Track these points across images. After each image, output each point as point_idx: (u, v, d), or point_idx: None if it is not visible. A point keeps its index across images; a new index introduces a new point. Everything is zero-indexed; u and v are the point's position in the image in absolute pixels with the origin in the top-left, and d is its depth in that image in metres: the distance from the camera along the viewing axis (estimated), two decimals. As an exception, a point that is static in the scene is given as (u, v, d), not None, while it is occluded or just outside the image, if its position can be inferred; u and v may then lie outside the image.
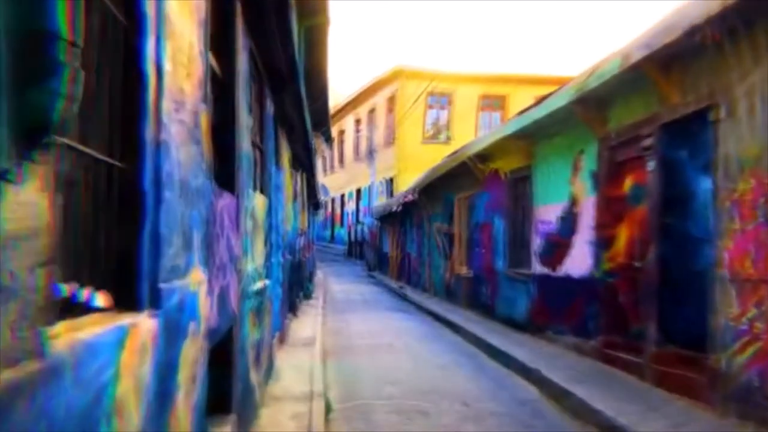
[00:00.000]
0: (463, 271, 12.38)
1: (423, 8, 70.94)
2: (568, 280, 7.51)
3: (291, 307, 10.45)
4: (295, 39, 6.27)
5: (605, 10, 65.10)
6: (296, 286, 11.11)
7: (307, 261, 16.04)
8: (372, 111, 30.78)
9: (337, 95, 32.05)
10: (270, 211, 6.30)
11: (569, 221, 7.52)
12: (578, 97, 6.64)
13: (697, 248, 5.17)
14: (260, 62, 5.70)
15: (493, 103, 27.36)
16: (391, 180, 27.84)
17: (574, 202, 7.44)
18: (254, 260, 5.02)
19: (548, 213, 8.14)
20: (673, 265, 5.47)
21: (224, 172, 3.92)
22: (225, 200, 3.80)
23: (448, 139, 26.69)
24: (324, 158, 37.45)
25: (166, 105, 2.11)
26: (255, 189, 5.33)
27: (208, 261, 3.09)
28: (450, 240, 13.60)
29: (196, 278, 2.58)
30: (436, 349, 8.21)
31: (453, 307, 12.33)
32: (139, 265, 1.87)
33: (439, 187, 14.35)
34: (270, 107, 6.30)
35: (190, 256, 2.47)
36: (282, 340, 7.95)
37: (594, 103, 6.69)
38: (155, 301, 1.96)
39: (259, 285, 5.20)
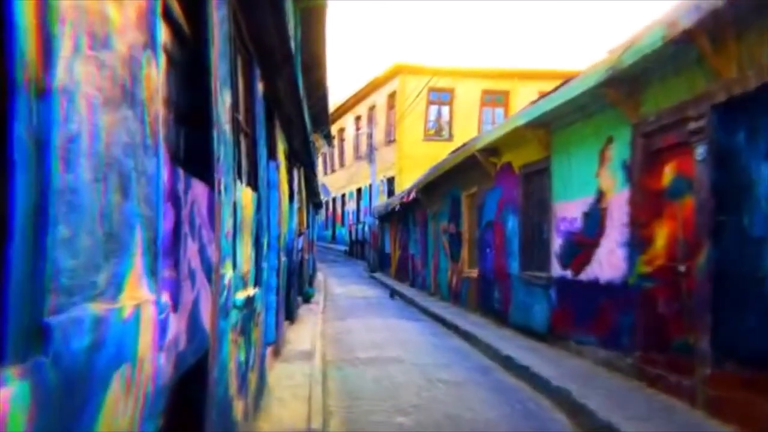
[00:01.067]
0: (472, 273, 11.59)
1: (422, 4, 70.11)
2: (594, 284, 6.73)
3: (288, 313, 9.68)
4: (287, 10, 5.49)
5: (610, 3, 64.34)
6: (294, 290, 10.34)
7: (307, 263, 15.27)
8: (372, 109, 30.05)
9: (336, 95, 31.58)
10: (261, 208, 5.52)
11: (596, 218, 6.74)
12: (609, 77, 5.85)
13: (759, 249, 4.39)
14: (247, 35, 4.91)
15: (495, 98, 26.64)
16: (392, 179, 27.11)
17: (601, 196, 6.65)
18: (239, 266, 4.24)
19: (570, 210, 7.35)
20: (729, 269, 4.68)
21: (196, 156, 3.14)
22: (196, 191, 3.03)
23: (450, 136, 25.93)
24: (324, 158, 36.84)
25: (66, 30, 1.33)
26: (241, 181, 4.55)
27: (165, 270, 2.31)
28: (457, 240, 12.81)
29: (135, 298, 1.79)
30: (449, 364, 7.40)
31: (461, 312, 11.54)
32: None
33: (444, 184, 13.57)
34: (260, 89, 5.51)
35: (121, 266, 1.68)
36: (276, 353, 7.16)
37: (627, 84, 5.90)
38: (33, 347, 1.17)
39: (246, 294, 4.41)
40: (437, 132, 26.75)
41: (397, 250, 21.29)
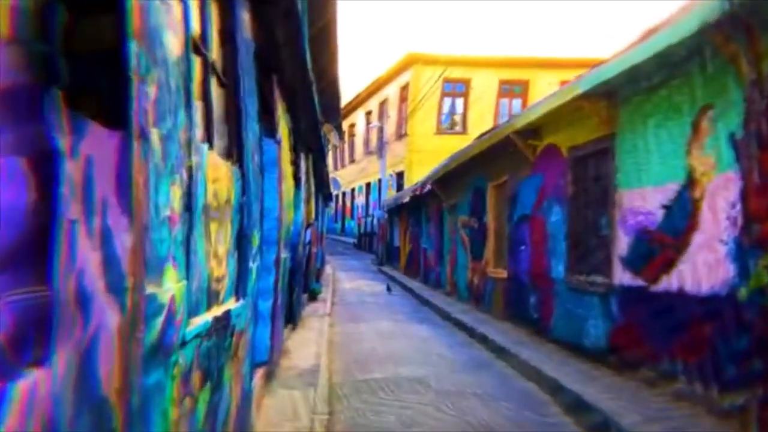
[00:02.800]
0: (499, 273, 10.07)
1: (434, -6, 67.77)
2: (681, 297, 5.19)
3: (291, 317, 8.22)
4: None
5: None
6: (299, 289, 8.89)
7: (315, 256, 13.84)
8: (383, 103, 28.62)
9: (347, 92, 30.25)
10: (249, 190, 4.03)
11: (684, 211, 5.20)
12: (720, 16, 4.31)
13: None
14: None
15: (513, 88, 25.09)
16: (401, 173, 25.61)
17: (693, 182, 5.11)
18: (201, 272, 2.74)
19: (644, 200, 5.81)
20: None
21: (95, 79, 1.69)
22: (93, 142, 1.58)
23: (464, 129, 24.39)
24: (335, 153, 35.72)
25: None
26: (210, 146, 3.05)
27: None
28: (479, 236, 11.28)
29: None
30: (488, 394, 5.84)
31: (485, 318, 10.02)
32: None
33: (465, 174, 12.04)
34: (246, 21, 4.00)
35: None
36: (271, 375, 5.66)
37: (743, 26, 4.36)
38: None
39: (213, 315, 2.91)
40: (451, 125, 25.21)
41: (407, 244, 19.85)
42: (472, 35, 50.52)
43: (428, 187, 13.75)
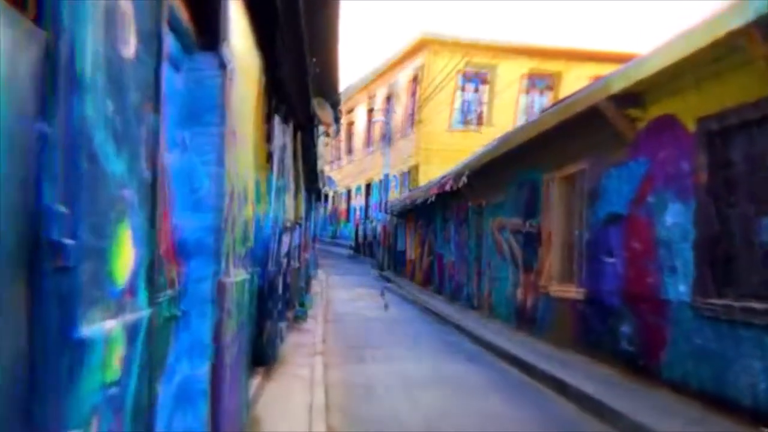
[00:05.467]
0: (566, 291, 7.78)
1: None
2: None
3: (262, 357, 5.59)
4: None
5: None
6: (274, 319, 6.10)
7: (303, 266, 11.41)
8: (390, 94, 26.14)
9: (344, 81, 27.36)
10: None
11: None
12: None
13: None
14: None
15: (541, 82, 22.83)
16: (409, 172, 23.26)
17: None
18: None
19: None
20: None
21: None
22: None
23: (484, 125, 22.12)
24: (330, 150, 32.99)
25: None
26: None
27: None
28: (532, 243, 8.99)
29: None
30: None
31: (546, 348, 7.69)
32: None
33: (505, 166, 9.80)
34: None
35: None
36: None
37: None
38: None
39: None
40: (467, 121, 22.95)
41: (418, 250, 17.51)
42: (495, 19, 46.26)
43: (464, 180, 11.39)
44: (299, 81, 6.48)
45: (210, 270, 2.73)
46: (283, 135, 6.44)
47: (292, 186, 7.70)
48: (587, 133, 6.94)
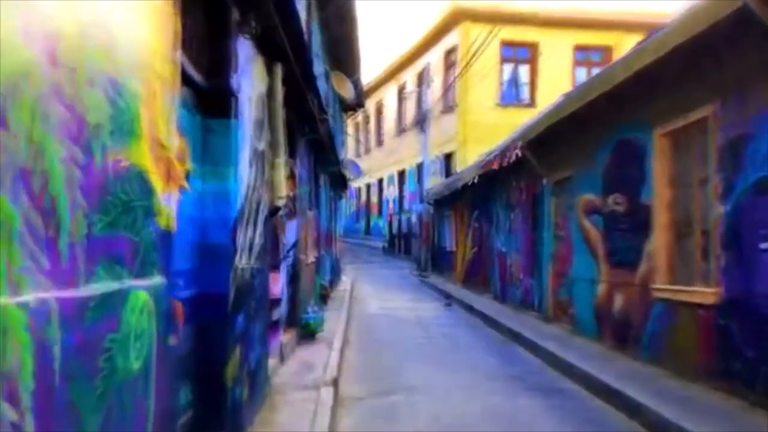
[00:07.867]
0: (689, 295, 5.59)
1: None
2: None
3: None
4: None
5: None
6: (257, 356, 3.85)
7: (316, 267, 9.30)
8: (423, 71, 23.84)
9: (371, 68, 25.07)
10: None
11: None
12: None
13: None
14: None
15: (592, 55, 20.52)
16: (450, 155, 21.06)
17: None
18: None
19: None
20: None
21: None
22: None
23: (533, 102, 19.78)
24: (356, 136, 30.79)
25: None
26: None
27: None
28: (631, 227, 6.67)
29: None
30: None
31: (655, 375, 5.49)
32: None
33: (589, 123, 7.61)
34: None
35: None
36: None
37: None
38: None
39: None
40: (515, 96, 20.68)
41: (469, 247, 15.24)
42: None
43: (515, 153, 9.15)
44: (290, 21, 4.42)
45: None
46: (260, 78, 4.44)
47: (277, 152, 5.27)
48: (723, 59, 4.78)
